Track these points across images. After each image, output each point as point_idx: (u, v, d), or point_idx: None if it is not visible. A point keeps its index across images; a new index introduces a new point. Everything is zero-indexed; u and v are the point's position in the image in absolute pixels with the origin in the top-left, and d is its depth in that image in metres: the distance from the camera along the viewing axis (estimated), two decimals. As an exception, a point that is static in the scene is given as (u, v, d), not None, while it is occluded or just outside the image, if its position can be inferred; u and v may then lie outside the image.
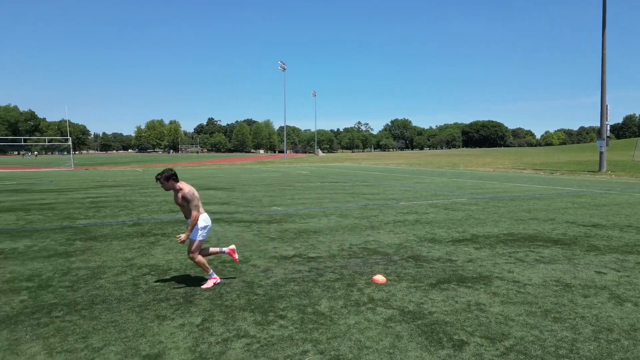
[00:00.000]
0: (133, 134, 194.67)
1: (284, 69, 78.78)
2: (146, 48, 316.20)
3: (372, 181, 23.62)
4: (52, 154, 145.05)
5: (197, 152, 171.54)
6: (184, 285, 5.54)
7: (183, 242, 5.26)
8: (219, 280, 5.61)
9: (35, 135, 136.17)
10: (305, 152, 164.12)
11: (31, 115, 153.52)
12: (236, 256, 5.99)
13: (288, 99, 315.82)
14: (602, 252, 7.28)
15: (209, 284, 5.49)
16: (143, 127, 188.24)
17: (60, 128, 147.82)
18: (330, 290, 5.30)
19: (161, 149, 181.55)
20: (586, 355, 3.65)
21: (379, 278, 5.69)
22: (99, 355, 3.67)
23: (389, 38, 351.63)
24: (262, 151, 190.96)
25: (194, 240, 5.34)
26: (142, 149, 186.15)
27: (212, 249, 5.77)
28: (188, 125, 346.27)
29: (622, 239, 8.33)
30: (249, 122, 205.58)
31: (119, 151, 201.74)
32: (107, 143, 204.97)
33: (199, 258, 5.41)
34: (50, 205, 13.61)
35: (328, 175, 28.90)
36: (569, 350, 3.74)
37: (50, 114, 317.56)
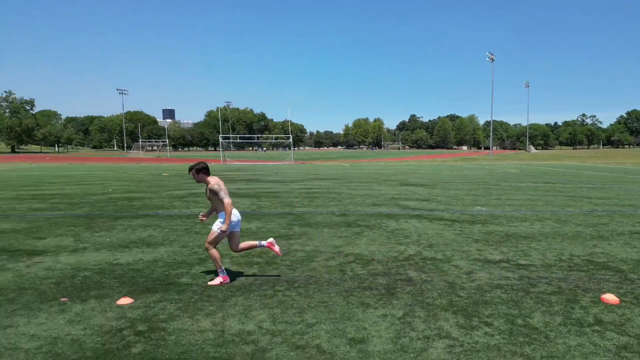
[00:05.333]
0: (342, 132, 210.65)
1: (492, 60, 73.64)
2: (356, 52, 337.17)
3: (600, 183, 20.12)
4: (276, 149, 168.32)
5: (399, 149, 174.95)
6: (386, 276, 5.72)
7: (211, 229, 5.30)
8: (228, 281, 5.42)
9: (265, 134, 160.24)
10: (515, 149, 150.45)
11: (262, 117, 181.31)
12: (276, 248, 5.61)
13: (496, 92, 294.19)
14: None
15: (216, 280, 5.41)
16: (350, 125, 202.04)
17: (284, 127, 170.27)
18: (545, 304, 4.72)
19: (365, 145, 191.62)
20: None
21: (610, 297, 4.80)
22: (312, 330, 4.08)
23: (612, 24, 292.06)
24: (465, 147, 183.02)
25: (216, 233, 5.31)
26: (349, 145, 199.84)
27: (247, 243, 5.66)
28: (391, 123, 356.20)
29: None
30: (452, 118, 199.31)
31: (329, 147, 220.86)
32: (320, 140, 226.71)
33: (213, 251, 5.37)
34: (275, 193, 15.83)
35: (542, 175, 25.84)
36: None
37: (276, 114, 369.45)
